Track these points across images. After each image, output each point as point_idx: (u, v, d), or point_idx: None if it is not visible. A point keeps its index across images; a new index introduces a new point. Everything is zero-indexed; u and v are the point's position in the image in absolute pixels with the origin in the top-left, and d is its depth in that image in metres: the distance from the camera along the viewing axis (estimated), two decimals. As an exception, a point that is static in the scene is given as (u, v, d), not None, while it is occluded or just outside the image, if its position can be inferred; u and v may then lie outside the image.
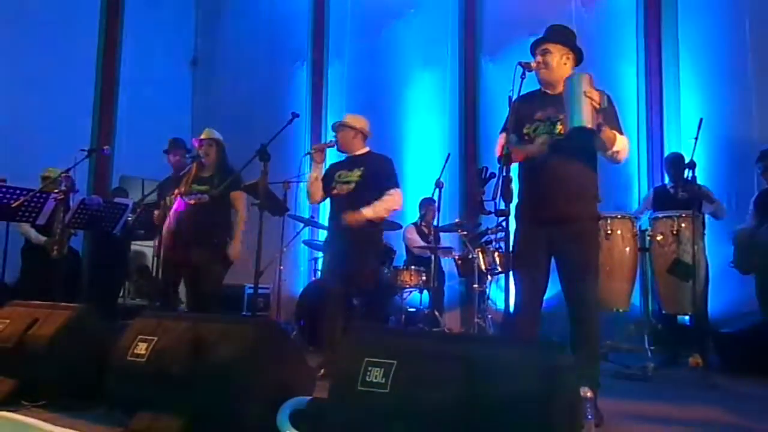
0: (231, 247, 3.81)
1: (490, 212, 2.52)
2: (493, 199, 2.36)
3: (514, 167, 2.60)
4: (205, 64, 8.43)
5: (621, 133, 2.64)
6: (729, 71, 5.23)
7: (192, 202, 3.78)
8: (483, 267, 4.87)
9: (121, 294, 5.73)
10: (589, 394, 1.71)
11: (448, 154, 4.67)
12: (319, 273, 5.65)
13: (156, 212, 3.95)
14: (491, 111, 6.29)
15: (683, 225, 4.09)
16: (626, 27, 5.70)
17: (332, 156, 4.06)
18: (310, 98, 7.68)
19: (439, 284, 5.06)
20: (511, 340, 1.75)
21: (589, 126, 2.37)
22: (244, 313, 6.27)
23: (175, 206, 3.78)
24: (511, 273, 2.69)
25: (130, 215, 4.67)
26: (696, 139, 3.97)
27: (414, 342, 1.67)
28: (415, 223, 5.70)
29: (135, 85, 7.47)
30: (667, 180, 4.75)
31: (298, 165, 7.45)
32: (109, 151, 5.20)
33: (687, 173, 4.03)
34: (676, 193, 4.51)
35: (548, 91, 2.75)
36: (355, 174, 3.66)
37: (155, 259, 4.10)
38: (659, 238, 4.14)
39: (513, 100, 2.61)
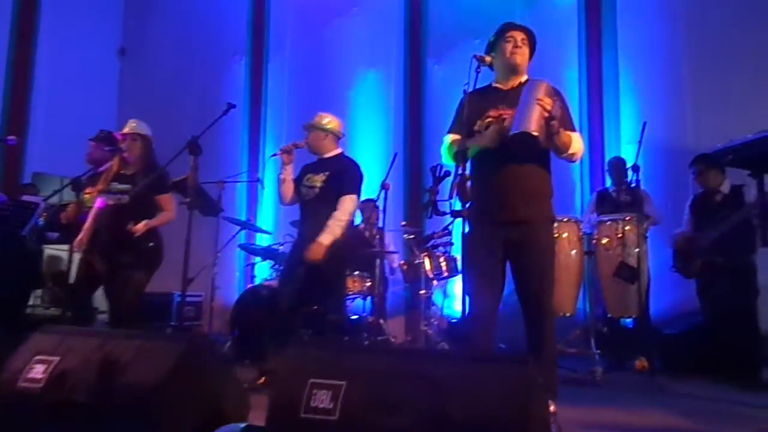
0: (138, 224, 3.40)
1: (444, 213, 2.33)
2: (450, 199, 2.18)
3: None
4: (134, 53, 7.86)
5: (576, 131, 2.61)
6: (665, 78, 5.36)
7: (110, 202, 3.40)
8: (429, 272, 4.71)
9: (30, 303, 5.16)
10: (552, 408, 1.56)
11: (395, 155, 4.50)
12: (256, 279, 5.31)
13: (64, 212, 3.53)
14: (437, 112, 6.19)
15: (627, 228, 4.09)
16: (568, 32, 5.73)
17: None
18: (249, 94, 7.33)
19: (382, 290, 4.86)
20: (476, 356, 1.55)
21: (535, 133, 2.32)
22: (171, 323, 5.88)
23: (96, 205, 3.40)
24: (462, 278, 2.63)
25: (41, 215, 4.18)
26: (640, 142, 3.98)
27: (367, 359, 1.45)
28: (356, 227, 5.48)
29: (53, 75, 6.84)
30: (609, 183, 4.78)
31: (236, 164, 7.22)
32: (14, 141, 4.65)
33: (631, 176, 4.04)
34: (619, 196, 4.54)
35: (501, 87, 2.66)
36: (320, 178, 3.50)
37: (71, 264, 3.67)
38: (604, 241, 4.13)
39: (465, 93, 2.53)
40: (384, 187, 4.08)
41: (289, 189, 3.60)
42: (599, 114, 5.55)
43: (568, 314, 4.04)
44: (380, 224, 5.34)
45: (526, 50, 2.62)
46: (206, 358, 1.71)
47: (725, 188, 3.88)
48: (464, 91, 2.45)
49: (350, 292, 4.63)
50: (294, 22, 7.21)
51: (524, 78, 2.64)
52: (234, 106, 3.08)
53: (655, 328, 4.27)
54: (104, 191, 3.42)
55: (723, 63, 5.01)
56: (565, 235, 4.02)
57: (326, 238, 3.40)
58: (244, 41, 7.41)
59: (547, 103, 2.34)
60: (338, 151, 3.64)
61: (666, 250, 4.38)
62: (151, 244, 3.46)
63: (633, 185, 4.12)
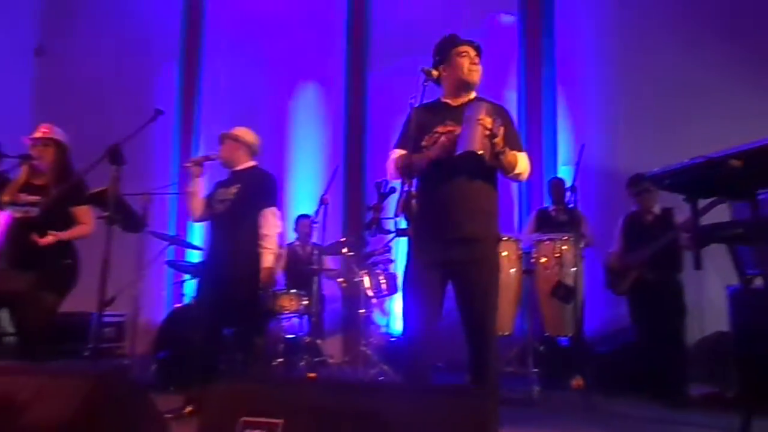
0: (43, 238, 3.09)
1: (389, 231, 2.24)
2: (395, 216, 2.08)
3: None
4: (53, 53, 7.33)
5: (523, 150, 2.58)
6: (600, 101, 5.55)
7: (17, 215, 3.08)
8: (368, 290, 4.59)
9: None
10: (499, 436, 1.48)
11: (336, 167, 4.38)
12: (185, 298, 5.00)
13: None
14: (378, 126, 6.14)
15: (564, 248, 4.15)
16: (508, 53, 5.84)
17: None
18: (181, 102, 7.00)
19: (319, 309, 4.69)
20: (426, 389, 1.45)
21: (480, 152, 2.30)
22: (89, 345, 5.44)
23: (2, 220, 3.06)
24: (402, 296, 2.54)
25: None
26: (578, 164, 4.06)
27: (307, 394, 1.31)
28: (290, 244, 5.30)
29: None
30: (548, 203, 4.86)
31: (166, 175, 6.84)
32: None
33: (569, 197, 4.11)
34: (558, 215, 4.62)
35: (450, 102, 2.61)
36: (232, 191, 3.33)
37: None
38: (543, 260, 4.16)
39: (412, 108, 2.47)
40: (323, 201, 3.94)
41: (199, 203, 3.44)
42: (538, 134, 5.65)
43: (506, 333, 4.02)
44: (315, 240, 5.21)
45: (480, 68, 2.58)
46: (121, 392, 1.51)
47: (656, 210, 4.00)
48: (410, 104, 2.37)
49: (286, 311, 4.44)
50: (232, 27, 6.97)
51: (473, 95, 2.61)
52: (162, 113, 2.86)
53: (589, 347, 4.34)
54: (10, 203, 3.09)
55: (656, 88, 5.23)
56: (504, 253, 3.99)
57: (269, 260, 3.30)
58: (177, 44, 7.08)
59: (488, 122, 2.31)
60: (252, 163, 3.48)
61: (597, 269, 4.48)
62: (64, 261, 3.15)
63: (571, 206, 4.19)
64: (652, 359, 3.87)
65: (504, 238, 4.02)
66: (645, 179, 3.90)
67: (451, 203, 2.45)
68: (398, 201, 2.13)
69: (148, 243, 4.89)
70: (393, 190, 2.43)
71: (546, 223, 4.57)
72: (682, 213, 3.81)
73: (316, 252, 4.48)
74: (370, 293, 4.59)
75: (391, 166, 2.56)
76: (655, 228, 3.90)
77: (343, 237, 5.30)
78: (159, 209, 5.70)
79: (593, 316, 4.59)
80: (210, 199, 3.43)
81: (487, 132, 2.31)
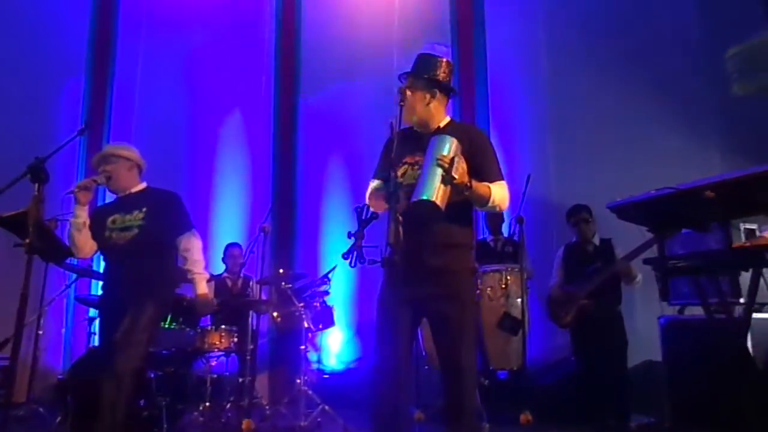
0: None
1: (374, 261, 2.04)
2: (387, 246, 1.89)
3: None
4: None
5: (500, 179, 2.38)
6: (531, 135, 5.71)
7: None
8: (306, 323, 4.29)
9: None
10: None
11: (273, 199, 4.09)
12: (95, 338, 4.42)
13: None
14: (309, 151, 5.94)
15: (510, 278, 4.14)
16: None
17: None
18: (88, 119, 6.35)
19: (253, 346, 4.32)
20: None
21: (435, 200, 2.10)
22: None
23: None
24: (375, 332, 2.34)
25: None
26: (523, 194, 4.09)
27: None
28: (218, 275, 4.89)
29: None
30: (485, 234, 4.85)
31: (68, 201, 6.11)
32: None
33: (513, 228, 4.11)
34: (497, 246, 4.61)
35: (420, 130, 2.43)
36: (136, 217, 2.91)
37: None
38: (489, 291, 4.11)
39: (392, 134, 2.28)
40: (263, 230, 3.65)
41: (87, 237, 2.96)
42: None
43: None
44: (242, 272, 4.86)
45: (415, 101, 2.37)
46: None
47: (596, 240, 4.07)
48: (390, 124, 2.21)
49: (215, 349, 4.04)
50: (148, 39, 6.48)
51: (444, 122, 2.43)
52: (90, 128, 2.49)
53: (532, 379, 4.31)
54: None
55: (586, 116, 5.43)
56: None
57: (203, 287, 3.00)
58: (83, 56, 6.45)
59: (446, 161, 2.11)
60: (144, 184, 3.09)
61: (535, 301, 4.51)
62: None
63: (514, 237, 4.19)
64: (595, 390, 3.89)
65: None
66: (584, 209, 4.00)
67: (419, 234, 2.27)
68: (388, 231, 1.92)
69: (51, 275, 4.30)
70: (376, 216, 2.24)
71: (486, 255, 4.53)
72: (619, 244, 3.93)
73: (253, 283, 4.13)
74: (306, 326, 4.30)
75: (371, 198, 2.42)
76: (595, 258, 3.95)
77: (274, 268, 5.00)
78: (64, 236, 5.06)
79: (532, 347, 4.59)
80: (100, 228, 2.94)
81: (444, 173, 2.12)
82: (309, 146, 5.99)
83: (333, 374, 5.31)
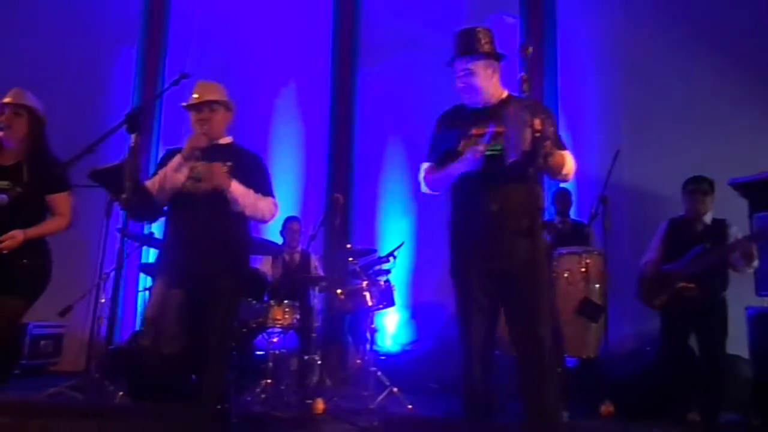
0: (23, 232, 2.48)
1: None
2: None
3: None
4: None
5: (566, 149, 2.43)
6: (601, 108, 5.41)
7: (-22, 203, 2.45)
8: (369, 301, 4.12)
9: None
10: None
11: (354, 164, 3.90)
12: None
13: None
14: (368, 126, 5.74)
15: (588, 261, 3.89)
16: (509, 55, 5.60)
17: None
18: (140, 93, 6.24)
19: (313, 322, 4.18)
20: None
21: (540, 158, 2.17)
22: (23, 361, 4.72)
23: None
24: (457, 309, 2.38)
25: None
26: (610, 172, 3.81)
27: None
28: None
29: None
30: (552, 215, 4.59)
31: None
32: None
33: (598, 207, 3.82)
34: (564, 227, 4.36)
35: (482, 104, 2.42)
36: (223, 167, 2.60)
37: None
38: (566, 275, 3.87)
39: (440, 116, 2.48)
40: (336, 200, 3.45)
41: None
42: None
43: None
44: (302, 246, 4.71)
45: (474, 78, 2.37)
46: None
47: (707, 218, 3.63)
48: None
49: (279, 324, 3.90)
50: (201, 9, 6.35)
51: (504, 95, 2.43)
52: (188, 76, 2.32)
53: (611, 369, 4.05)
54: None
55: (660, 97, 5.12)
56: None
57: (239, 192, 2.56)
58: (137, 25, 6.34)
59: (537, 123, 2.13)
60: (231, 138, 2.78)
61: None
62: (35, 260, 2.53)
63: (594, 217, 3.91)
64: (679, 381, 3.62)
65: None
66: (705, 181, 3.59)
67: (499, 210, 2.28)
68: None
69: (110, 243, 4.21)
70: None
71: (556, 237, 4.26)
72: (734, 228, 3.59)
73: (314, 259, 3.98)
74: (369, 304, 4.13)
75: (424, 181, 2.49)
76: (703, 238, 3.52)
77: (330, 244, 4.86)
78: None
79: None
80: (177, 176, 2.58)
81: (537, 135, 2.11)
82: (367, 120, 5.78)
83: (388, 355, 5.16)
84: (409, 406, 3.70)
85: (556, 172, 2.36)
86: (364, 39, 5.94)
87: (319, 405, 3.40)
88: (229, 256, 2.57)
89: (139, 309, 5.17)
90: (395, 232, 5.46)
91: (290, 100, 5.99)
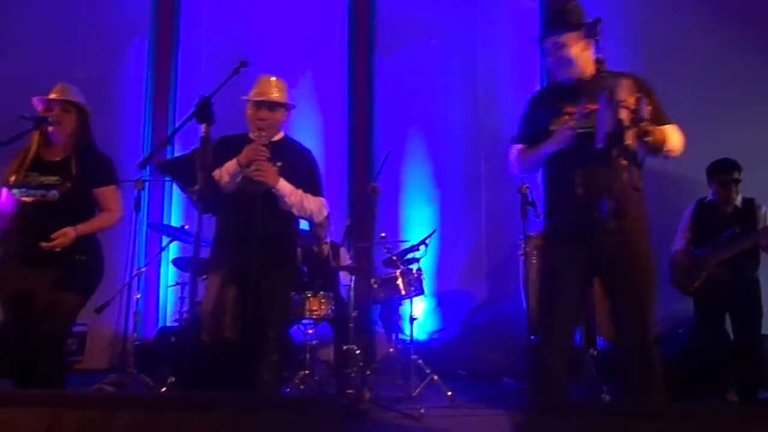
0: (74, 229, 2.47)
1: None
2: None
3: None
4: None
5: (670, 122, 2.34)
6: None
7: (29, 199, 2.43)
8: (402, 289, 4.12)
9: None
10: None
11: (388, 152, 3.89)
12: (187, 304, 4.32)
13: None
14: (388, 116, 5.69)
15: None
16: (530, 39, 5.56)
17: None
18: (153, 86, 6.17)
19: (349, 312, 4.17)
20: None
21: (626, 143, 2.10)
22: None
23: (6, 204, 2.40)
24: (540, 293, 2.37)
25: None
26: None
27: None
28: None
29: None
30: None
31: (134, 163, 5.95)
32: None
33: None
34: None
35: (576, 80, 2.36)
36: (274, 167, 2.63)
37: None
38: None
39: (532, 97, 2.43)
40: (372, 190, 3.44)
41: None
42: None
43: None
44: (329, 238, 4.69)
45: (566, 50, 2.30)
46: None
47: (738, 201, 3.62)
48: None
49: (315, 315, 3.91)
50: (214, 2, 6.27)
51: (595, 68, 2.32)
52: (247, 64, 2.28)
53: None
54: (20, 184, 2.43)
55: (690, 79, 5.06)
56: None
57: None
58: (147, 16, 6.25)
59: (631, 102, 2.07)
60: (283, 133, 2.78)
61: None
62: (88, 256, 2.52)
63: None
64: (717, 363, 3.65)
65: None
66: (735, 167, 3.57)
67: (593, 191, 2.19)
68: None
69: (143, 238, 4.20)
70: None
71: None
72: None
73: (342, 250, 3.96)
74: (403, 293, 4.13)
75: (516, 162, 2.43)
76: (733, 222, 3.52)
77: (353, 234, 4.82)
78: (147, 198, 4.92)
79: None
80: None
81: (632, 114, 2.07)
82: (386, 110, 5.73)
83: (415, 343, 5.16)
84: (449, 393, 3.72)
85: (658, 149, 2.24)
86: (382, 27, 5.87)
87: (366, 394, 3.40)
88: (283, 251, 2.62)
89: (169, 304, 5.13)
90: (419, 221, 5.45)
91: (307, 90, 5.93)
